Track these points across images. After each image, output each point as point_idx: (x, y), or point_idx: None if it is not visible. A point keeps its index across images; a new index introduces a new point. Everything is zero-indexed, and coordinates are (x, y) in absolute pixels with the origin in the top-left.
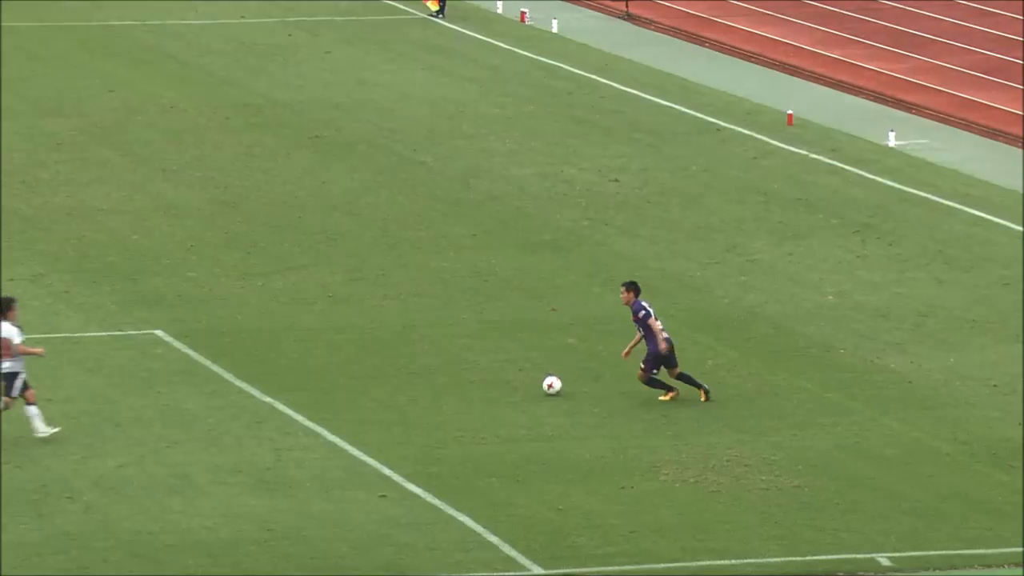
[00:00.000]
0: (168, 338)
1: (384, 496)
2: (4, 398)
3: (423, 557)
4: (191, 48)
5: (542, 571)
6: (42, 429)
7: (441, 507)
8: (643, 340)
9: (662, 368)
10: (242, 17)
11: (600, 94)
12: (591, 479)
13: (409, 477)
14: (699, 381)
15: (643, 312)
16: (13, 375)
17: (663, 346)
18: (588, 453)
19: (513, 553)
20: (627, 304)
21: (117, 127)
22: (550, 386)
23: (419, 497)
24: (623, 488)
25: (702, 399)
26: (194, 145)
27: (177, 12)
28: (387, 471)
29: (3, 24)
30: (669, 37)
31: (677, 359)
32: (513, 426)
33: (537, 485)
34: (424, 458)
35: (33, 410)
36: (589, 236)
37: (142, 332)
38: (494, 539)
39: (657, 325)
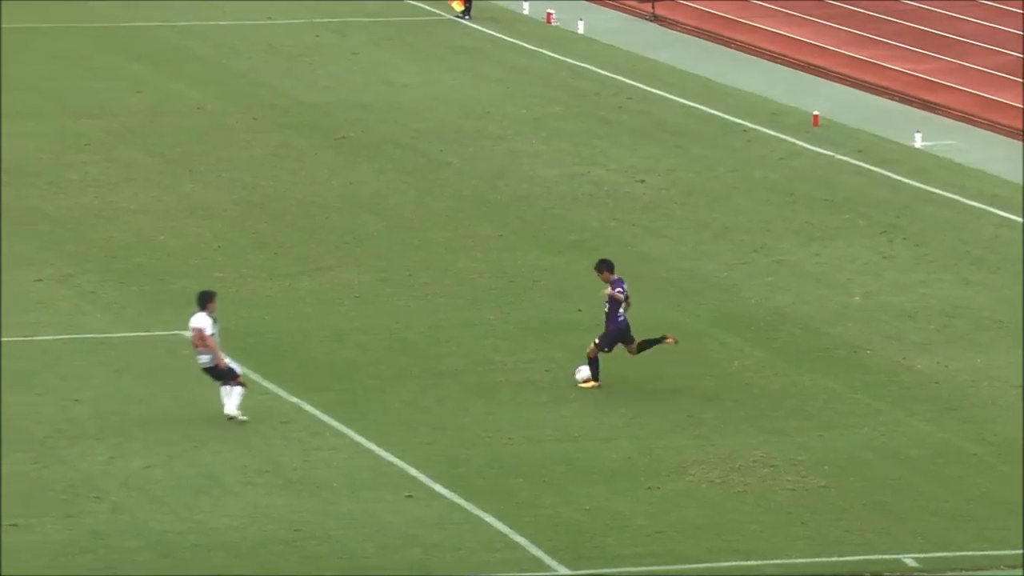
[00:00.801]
0: None
1: (411, 496)
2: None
3: (450, 557)
4: (218, 49)
5: (568, 571)
6: (233, 409)
7: (468, 507)
8: (605, 317)
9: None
10: (269, 18)
11: (626, 95)
12: (617, 479)
13: (436, 478)
14: (656, 338)
15: (620, 289)
16: (215, 367)
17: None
18: (614, 453)
19: (539, 553)
20: (608, 282)
21: (145, 128)
22: (587, 380)
23: (446, 497)
24: (649, 488)
25: (671, 342)
26: (222, 146)
27: (204, 13)
28: (413, 471)
29: (30, 26)
30: (695, 38)
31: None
32: (540, 427)
33: (564, 486)
34: (451, 458)
35: (238, 390)
36: (616, 237)
37: (169, 332)
38: (520, 539)
39: (619, 311)
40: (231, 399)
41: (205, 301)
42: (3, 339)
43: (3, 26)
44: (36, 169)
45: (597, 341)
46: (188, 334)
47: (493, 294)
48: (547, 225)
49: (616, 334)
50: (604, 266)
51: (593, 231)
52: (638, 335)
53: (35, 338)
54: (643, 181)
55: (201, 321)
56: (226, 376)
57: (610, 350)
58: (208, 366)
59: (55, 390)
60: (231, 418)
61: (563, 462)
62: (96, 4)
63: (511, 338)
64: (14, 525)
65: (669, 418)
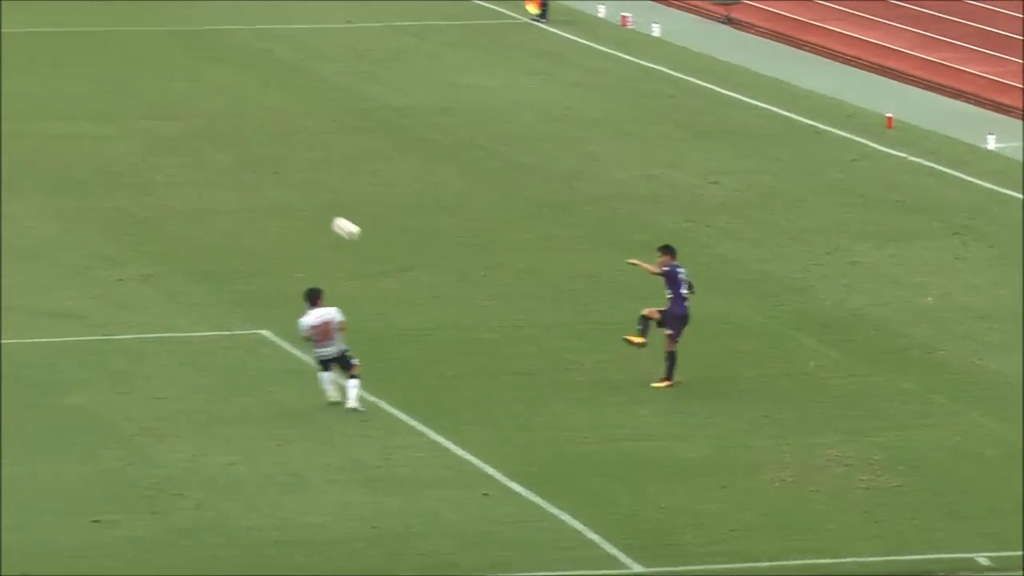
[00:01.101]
0: (276, 338)
1: (488, 495)
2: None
3: (527, 555)
4: (300, 53)
5: (643, 569)
6: (354, 402)
7: (544, 506)
8: (671, 300)
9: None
10: (348, 22)
11: (701, 97)
12: (693, 478)
13: (513, 476)
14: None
15: (679, 275)
16: (341, 355)
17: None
18: (690, 452)
19: (614, 551)
20: (665, 266)
21: (228, 131)
22: (349, 231)
23: (522, 496)
24: (724, 487)
25: (660, 384)
26: (303, 149)
27: (286, 16)
28: (491, 470)
29: (114, 29)
30: (769, 40)
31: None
32: (616, 426)
33: (639, 484)
34: (528, 457)
35: (355, 382)
36: (692, 238)
37: (251, 332)
38: (596, 537)
39: (682, 292)
40: (351, 392)
41: (316, 297)
42: (90, 338)
43: (85, 30)
44: (121, 171)
45: (671, 333)
46: (304, 332)
47: (570, 295)
48: (623, 226)
49: (682, 319)
50: (667, 249)
51: (668, 233)
52: (712, 334)
53: (120, 337)
54: (717, 183)
55: (329, 313)
56: (345, 366)
57: (678, 337)
58: (331, 357)
59: (140, 389)
60: (352, 410)
61: (639, 461)
62: (179, 7)
63: (587, 338)
64: (97, 521)
65: (745, 417)
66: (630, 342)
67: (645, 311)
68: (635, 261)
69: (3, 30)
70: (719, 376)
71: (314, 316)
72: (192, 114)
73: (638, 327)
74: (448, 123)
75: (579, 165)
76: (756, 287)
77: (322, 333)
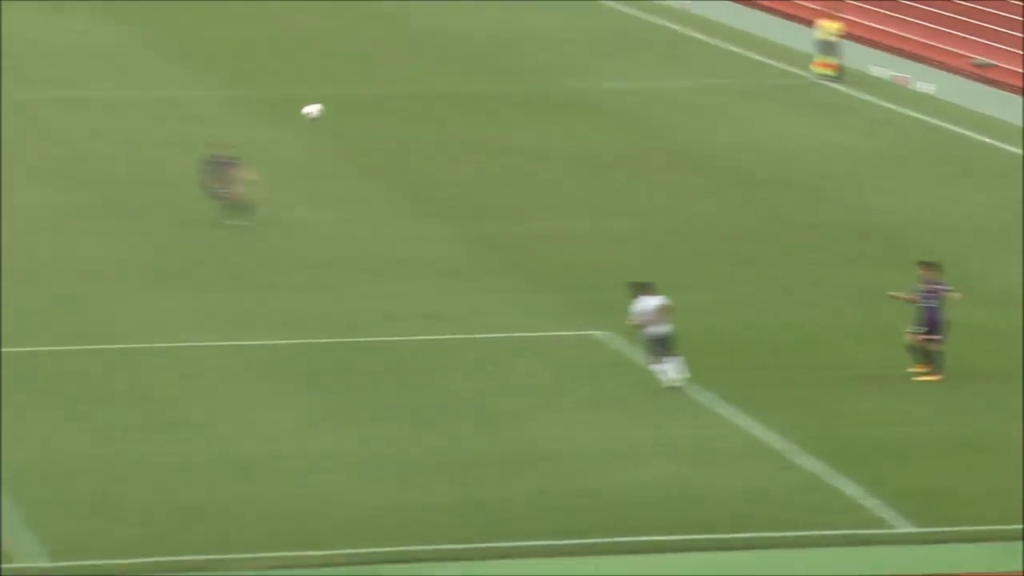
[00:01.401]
0: (605, 338)
1: (783, 467)
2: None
3: (814, 517)
4: (631, 106)
5: (913, 528)
6: (673, 377)
7: (831, 477)
8: (932, 310)
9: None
10: (684, 81)
11: (967, 144)
12: (958, 456)
13: (806, 452)
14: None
15: (939, 288)
16: (669, 335)
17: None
18: (955, 434)
19: (889, 514)
20: (929, 280)
21: (579, 168)
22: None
23: (812, 469)
24: (984, 463)
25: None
26: (628, 185)
27: (623, 75)
28: (787, 447)
29: (451, 90)
30: (1021, 97)
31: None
32: (890, 412)
33: (912, 460)
34: (819, 437)
35: (679, 360)
36: (958, 258)
37: (584, 333)
38: (872, 503)
39: (939, 302)
40: (675, 369)
41: (647, 287)
42: (456, 336)
43: (442, 90)
44: (490, 201)
45: (939, 336)
46: (643, 316)
47: (859, 304)
48: (903, 248)
49: (942, 324)
50: (927, 265)
51: (940, 254)
52: (972, 338)
53: (479, 336)
54: (983, 213)
55: (661, 299)
56: (669, 346)
57: (943, 340)
58: (662, 336)
59: (495, 377)
60: (674, 386)
61: (911, 441)
62: (525, 66)
63: (869, 340)
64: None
65: (1002, 407)
66: (917, 373)
67: (908, 341)
68: (895, 294)
69: (375, 91)
70: (979, 372)
71: (651, 302)
72: (542, 156)
73: (912, 357)
74: (761, 163)
75: (868, 199)
76: (1013, 299)
77: (657, 314)
